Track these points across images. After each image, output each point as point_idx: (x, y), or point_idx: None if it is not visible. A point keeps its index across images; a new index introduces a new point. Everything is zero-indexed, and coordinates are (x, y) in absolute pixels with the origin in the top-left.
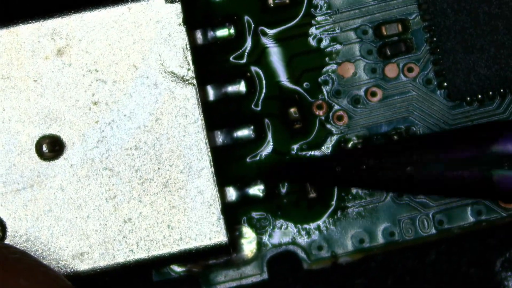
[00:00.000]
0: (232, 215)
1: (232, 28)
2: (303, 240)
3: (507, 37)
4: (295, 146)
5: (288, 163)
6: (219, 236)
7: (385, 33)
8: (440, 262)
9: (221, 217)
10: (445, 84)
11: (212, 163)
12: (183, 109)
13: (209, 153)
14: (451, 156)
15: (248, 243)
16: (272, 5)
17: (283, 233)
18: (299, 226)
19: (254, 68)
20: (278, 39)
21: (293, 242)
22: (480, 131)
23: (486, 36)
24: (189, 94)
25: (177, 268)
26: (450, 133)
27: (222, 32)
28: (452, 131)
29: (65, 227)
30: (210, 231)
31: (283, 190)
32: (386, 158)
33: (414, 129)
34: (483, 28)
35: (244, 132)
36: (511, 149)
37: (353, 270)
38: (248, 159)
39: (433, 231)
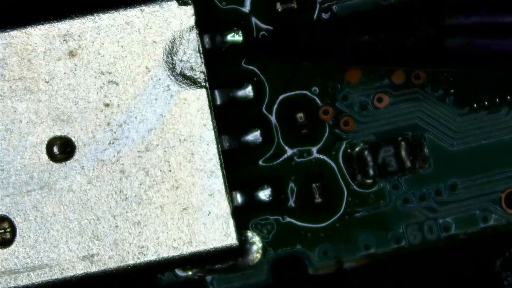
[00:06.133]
0: (238, 219)
1: (240, 33)
2: (308, 245)
3: None
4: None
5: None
6: (229, 239)
7: None
8: (439, 262)
9: (232, 219)
10: (452, 91)
11: (223, 166)
12: (195, 112)
13: (221, 155)
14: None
15: (253, 248)
16: (279, 9)
17: (288, 238)
18: (305, 231)
19: (261, 73)
20: None
21: (298, 247)
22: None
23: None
24: (201, 97)
25: (182, 273)
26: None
27: (232, 37)
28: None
29: (76, 228)
30: (221, 234)
31: (290, 195)
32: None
33: (421, 135)
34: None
35: (251, 137)
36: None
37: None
38: (254, 164)
39: (440, 237)
